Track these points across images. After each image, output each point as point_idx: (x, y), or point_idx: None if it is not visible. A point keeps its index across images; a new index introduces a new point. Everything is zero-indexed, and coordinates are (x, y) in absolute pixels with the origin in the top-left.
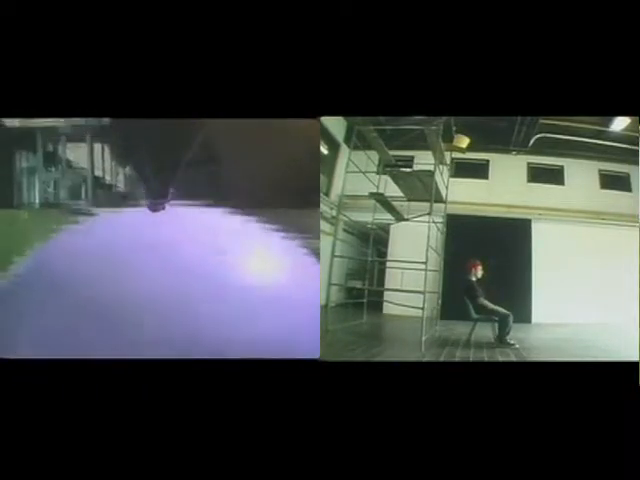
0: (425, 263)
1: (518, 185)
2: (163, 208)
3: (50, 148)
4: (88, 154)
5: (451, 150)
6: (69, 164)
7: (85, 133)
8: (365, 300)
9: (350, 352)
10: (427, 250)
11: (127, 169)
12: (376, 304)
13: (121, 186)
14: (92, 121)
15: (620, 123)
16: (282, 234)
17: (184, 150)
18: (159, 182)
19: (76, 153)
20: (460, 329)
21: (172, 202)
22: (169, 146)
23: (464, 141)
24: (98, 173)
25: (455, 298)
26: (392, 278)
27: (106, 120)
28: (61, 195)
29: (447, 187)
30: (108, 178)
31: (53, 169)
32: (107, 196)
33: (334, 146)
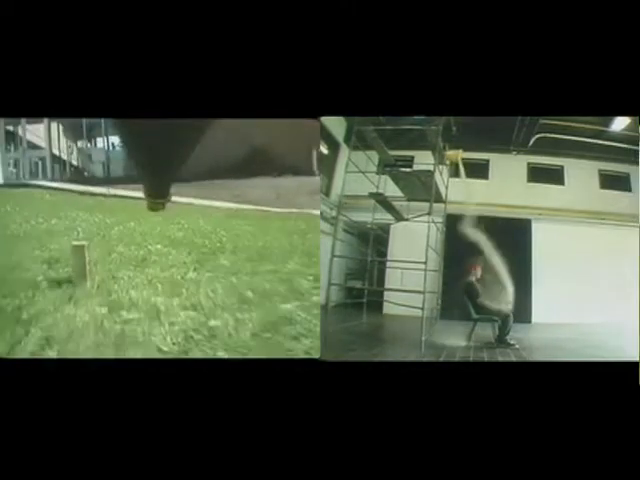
0: (425, 263)
1: (518, 185)
2: (163, 207)
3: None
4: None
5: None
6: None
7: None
8: (365, 300)
9: (350, 352)
10: (427, 250)
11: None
12: (376, 304)
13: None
14: None
15: (620, 123)
16: None
17: (185, 150)
18: (160, 182)
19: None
20: (460, 329)
21: None
22: (170, 146)
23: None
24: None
25: (455, 298)
26: (392, 278)
27: None
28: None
29: (447, 187)
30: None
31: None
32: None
33: (334, 146)
